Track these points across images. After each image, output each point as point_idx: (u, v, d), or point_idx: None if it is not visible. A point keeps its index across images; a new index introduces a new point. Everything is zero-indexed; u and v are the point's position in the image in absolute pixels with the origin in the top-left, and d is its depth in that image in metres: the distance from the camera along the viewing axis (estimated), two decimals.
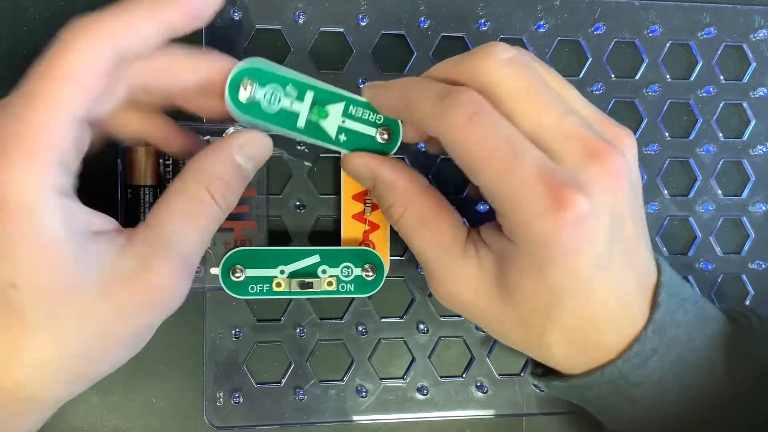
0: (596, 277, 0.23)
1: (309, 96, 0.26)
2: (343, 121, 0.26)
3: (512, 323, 0.25)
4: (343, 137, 0.27)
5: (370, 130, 0.27)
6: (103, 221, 0.23)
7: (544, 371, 0.29)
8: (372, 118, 0.27)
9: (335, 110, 0.26)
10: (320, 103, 0.26)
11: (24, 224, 0.19)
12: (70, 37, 0.21)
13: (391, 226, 0.31)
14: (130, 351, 0.23)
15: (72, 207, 0.21)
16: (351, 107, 0.26)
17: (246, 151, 0.25)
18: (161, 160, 0.30)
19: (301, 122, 0.26)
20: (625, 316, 0.25)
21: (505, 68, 0.23)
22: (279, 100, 0.25)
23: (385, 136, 0.27)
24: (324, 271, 0.30)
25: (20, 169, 0.19)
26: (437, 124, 0.23)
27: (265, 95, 0.25)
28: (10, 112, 0.20)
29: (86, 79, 0.21)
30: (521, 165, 0.22)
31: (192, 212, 0.23)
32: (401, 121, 0.27)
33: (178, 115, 0.31)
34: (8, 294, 0.20)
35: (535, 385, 0.33)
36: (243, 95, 0.25)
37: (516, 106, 0.23)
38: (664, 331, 0.25)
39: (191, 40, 0.31)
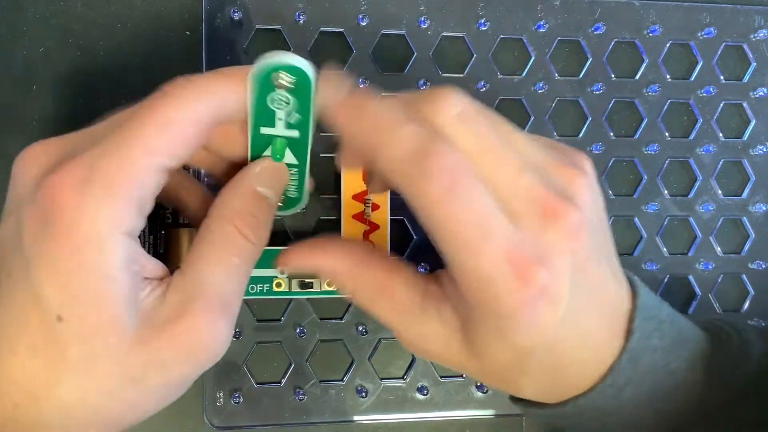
0: (559, 333, 0.23)
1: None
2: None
3: (483, 373, 0.25)
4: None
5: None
6: (154, 267, 0.22)
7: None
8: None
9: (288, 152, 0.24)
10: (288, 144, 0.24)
11: (88, 258, 0.19)
12: (173, 90, 0.21)
13: (393, 225, 0.31)
14: (161, 402, 0.22)
15: (135, 250, 0.21)
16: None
17: (264, 179, 0.24)
18: None
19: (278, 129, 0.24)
20: (594, 357, 0.24)
21: (458, 125, 0.22)
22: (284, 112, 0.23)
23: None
24: None
25: (100, 204, 0.19)
26: (410, 192, 0.21)
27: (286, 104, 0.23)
28: (102, 147, 0.20)
29: (182, 133, 0.21)
30: (492, 245, 0.21)
31: (222, 253, 0.22)
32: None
33: None
34: (54, 326, 0.19)
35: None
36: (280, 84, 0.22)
37: (475, 162, 0.22)
38: (640, 357, 0.24)
39: (191, 40, 0.31)
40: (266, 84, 0.22)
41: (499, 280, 0.21)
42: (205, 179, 0.30)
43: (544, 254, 0.22)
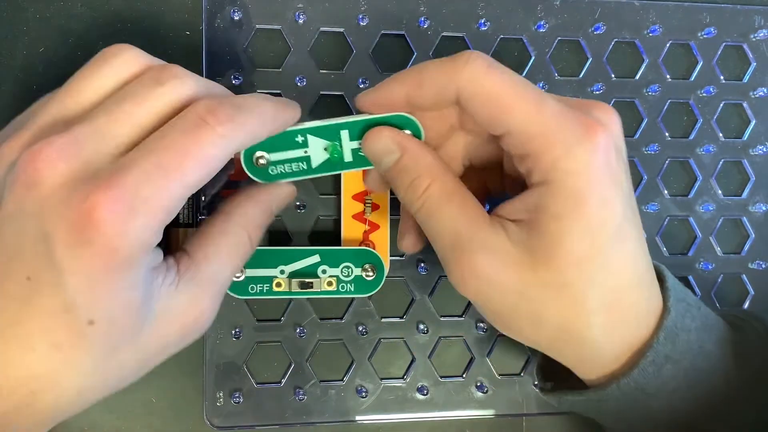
0: (627, 223, 0.24)
1: (316, 141, 0.27)
2: (359, 144, 0.27)
3: (551, 294, 0.24)
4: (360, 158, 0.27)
5: None
6: (156, 254, 0.23)
7: (552, 385, 0.29)
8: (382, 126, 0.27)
9: (345, 140, 0.27)
10: (329, 139, 0.27)
11: (122, 274, 0.21)
12: (217, 120, 0.22)
13: (393, 224, 0.31)
14: (148, 371, 0.24)
15: (152, 253, 0.22)
16: (354, 129, 0.27)
17: (280, 202, 0.27)
18: None
19: (316, 163, 0.27)
20: (649, 282, 0.25)
21: (489, 75, 0.24)
22: (291, 162, 0.27)
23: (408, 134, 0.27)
24: (324, 271, 0.30)
25: (139, 232, 0.21)
26: (456, 82, 0.24)
27: (276, 164, 0.27)
28: (141, 174, 0.21)
29: (216, 168, 0.22)
30: (548, 102, 0.23)
31: (234, 253, 0.25)
32: (413, 116, 0.26)
33: None
34: (84, 329, 0.21)
35: (534, 385, 0.33)
36: (260, 164, 0.27)
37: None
38: (676, 336, 0.25)
39: (191, 40, 0.31)
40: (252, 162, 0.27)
41: (567, 132, 0.23)
42: None
43: (600, 121, 0.24)
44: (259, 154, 0.27)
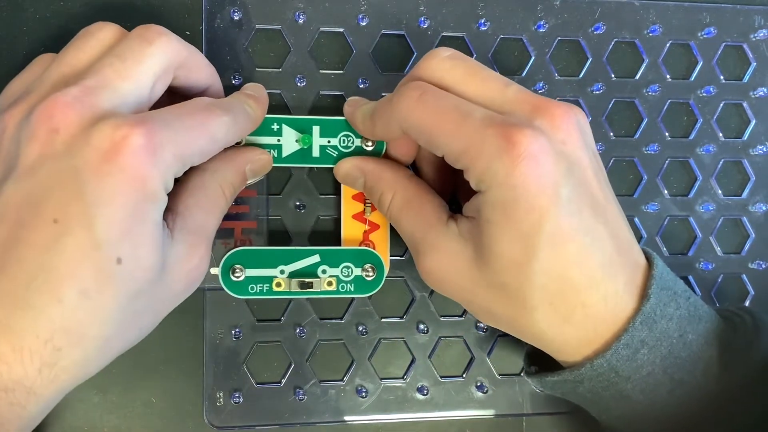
0: (565, 225, 0.23)
1: (290, 132, 0.30)
2: (328, 141, 0.30)
3: (494, 293, 0.25)
4: (334, 153, 0.30)
5: (355, 141, 0.30)
6: (164, 203, 0.24)
7: (536, 369, 0.29)
8: (351, 131, 0.30)
9: (315, 136, 0.30)
10: (302, 132, 0.30)
11: (148, 209, 0.22)
12: (218, 116, 0.25)
13: (389, 225, 0.31)
14: (157, 324, 0.26)
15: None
16: (325, 127, 0.30)
17: (253, 165, 0.29)
18: None
19: (287, 152, 0.30)
20: (607, 280, 0.25)
21: (447, 61, 0.26)
22: (264, 147, 0.30)
23: (369, 143, 0.30)
24: (324, 271, 0.30)
25: (166, 169, 0.22)
26: (394, 117, 0.26)
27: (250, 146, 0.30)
28: (167, 124, 0.23)
29: (218, 145, 0.26)
30: (470, 119, 0.24)
31: (213, 205, 0.27)
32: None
33: None
34: (113, 268, 0.21)
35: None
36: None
37: (463, 87, 0.26)
38: (654, 323, 0.25)
39: (191, 40, 0.31)
40: None
41: (486, 145, 0.23)
42: None
43: (531, 127, 0.24)
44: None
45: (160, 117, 0.23)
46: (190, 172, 0.26)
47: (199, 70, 0.27)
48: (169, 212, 0.25)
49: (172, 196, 0.25)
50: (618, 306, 0.25)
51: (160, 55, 0.24)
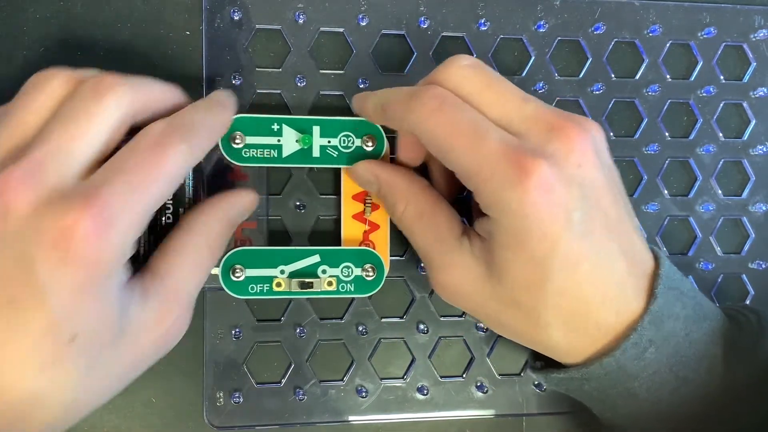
0: (577, 248, 0.24)
1: (290, 132, 0.30)
2: (329, 141, 0.30)
3: (507, 308, 0.26)
4: (334, 154, 0.30)
5: (355, 141, 0.30)
6: (127, 270, 0.24)
7: (542, 364, 0.29)
8: (351, 132, 0.30)
9: (316, 136, 0.30)
10: (302, 132, 0.30)
11: (103, 285, 0.22)
12: (172, 145, 0.24)
13: (393, 224, 0.31)
14: (127, 384, 0.25)
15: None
16: (325, 127, 0.30)
17: (239, 208, 0.28)
18: None
19: (287, 153, 0.30)
20: (620, 295, 0.25)
21: (467, 70, 0.26)
22: (264, 148, 0.30)
23: (369, 144, 0.30)
24: (324, 271, 0.30)
25: (117, 246, 0.22)
26: (409, 120, 0.26)
27: (250, 148, 0.30)
28: (116, 192, 0.22)
29: (177, 180, 0.24)
30: (485, 141, 0.24)
31: (197, 264, 0.26)
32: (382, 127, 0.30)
33: None
34: (68, 346, 0.21)
35: (535, 385, 0.33)
36: (235, 144, 0.29)
37: (479, 98, 0.25)
38: (661, 322, 0.25)
39: (191, 40, 0.31)
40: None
41: (497, 173, 0.23)
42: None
43: (546, 155, 0.23)
44: (237, 134, 0.29)
45: (110, 182, 0.22)
46: (175, 231, 0.26)
47: (158, 102, 0.25)
48: (148, 273, 0.25)
49: (155, 257, 0.25)
50: (627, 312, 0.25)
51: (114, 109, 0.23)
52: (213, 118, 0.26)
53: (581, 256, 0.24)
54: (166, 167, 0.23)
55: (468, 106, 0.25)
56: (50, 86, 0.24)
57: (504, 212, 0.24)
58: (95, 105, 0.23)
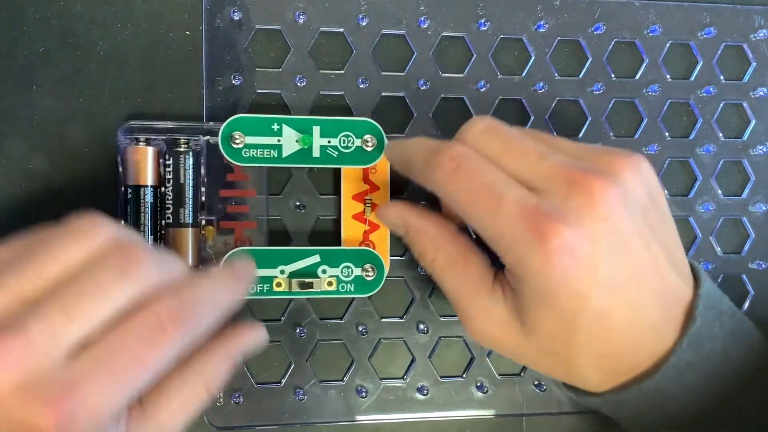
0: (608, 301, 0.23)
1: (290, 132, 0.30)
2: (329, 141, 0.30)
3: (540, 355, 0.26)
4: (334, 154, 0.30)
5: (355, 142, 0.30)
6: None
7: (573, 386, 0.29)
8: (351, 131, 0.30)
9: (316, 136, 0.30)
10: (302, 132, 0.30)
11: None
12: (174, 330, 0.22)
13: None
14: None
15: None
16: (325, 127, 0.30)
17: (245, 347, 0.27)
18: (161, 160, 0.30)
19: (286, 153, 0.30)
20: (655, 338, 0.25)
21: (481, 136, 0.26)
22: (264, 148, 0.30)
23: (369, 144, 0.30)
24: (324, 271, 0.30)
25: (114, 400, 0.21)
26: (429, 182, 0.26)
27: (250, 148, 0.30)
28: (95, 386, 0.21)
29: (166, 367, 0.23)
30: (504, 205, 0.23)
31: (186, 405, 0.25)
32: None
33: (180, 113, 0.31)
34: None
35: (535, 385, 0.33)
36: (236, 143, 0.29)
37: (497, 161, 0.25)
38: (700, 345, 0.25)
39: (191, 40, 0.31)
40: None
41: (518, 239, 0.23)
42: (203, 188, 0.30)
43: (567, 215, 0.23)
44: (237, 134, 0.29)
45: (94, 373, 0.21)
46: (176, 368, 0.25)
47: (175, 279, 0.24)
48: (137, 408, 0.24)
49: (153, 390, 0.24)
50: (662, 336, 0.25)
51: (133, 287, 0.22)
52: (224, 297, 0.25)
53: (612, 308, 0.23)
54: (160, 358, 0.22)
55: (488, 164, 0.25)
56: (85, 240, 0.22)
57: (528, 274, 0.23)
58: (114, 282, 0.22)
